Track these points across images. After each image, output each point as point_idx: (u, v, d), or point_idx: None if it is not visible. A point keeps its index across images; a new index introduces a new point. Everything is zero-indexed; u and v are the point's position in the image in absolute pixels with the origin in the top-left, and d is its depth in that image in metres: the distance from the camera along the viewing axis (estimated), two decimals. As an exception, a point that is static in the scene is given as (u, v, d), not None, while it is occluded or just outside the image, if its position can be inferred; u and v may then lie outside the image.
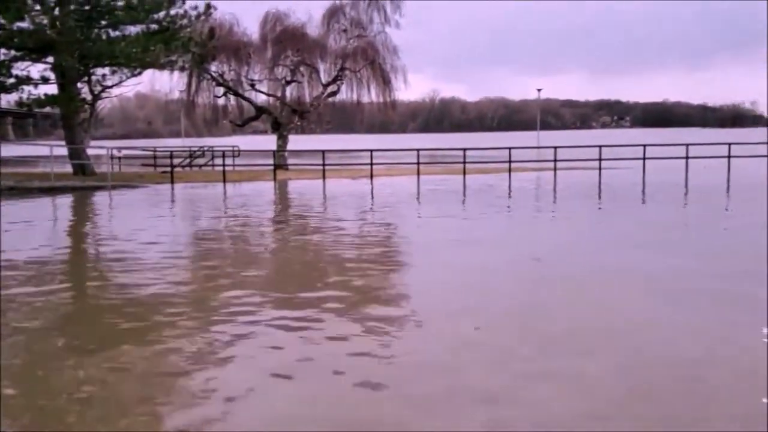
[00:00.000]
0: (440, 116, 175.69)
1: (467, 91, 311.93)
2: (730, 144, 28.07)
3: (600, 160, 27.47)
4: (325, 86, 35.93)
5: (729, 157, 27.55)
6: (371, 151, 28.61)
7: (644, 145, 27.59)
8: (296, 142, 40.22)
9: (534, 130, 66.11)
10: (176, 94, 36.21)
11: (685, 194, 20.18)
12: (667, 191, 20.42)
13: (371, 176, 27.10)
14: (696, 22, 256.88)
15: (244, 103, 37.09)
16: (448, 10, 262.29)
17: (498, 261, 9.83)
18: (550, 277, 8.68)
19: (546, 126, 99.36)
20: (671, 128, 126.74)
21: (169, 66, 31.06)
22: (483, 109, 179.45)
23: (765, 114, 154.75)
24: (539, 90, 68.69)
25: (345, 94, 36.41)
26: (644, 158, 27.32)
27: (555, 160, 28.05)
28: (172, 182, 25.94)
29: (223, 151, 31.16)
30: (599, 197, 19.91)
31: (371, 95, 35.96)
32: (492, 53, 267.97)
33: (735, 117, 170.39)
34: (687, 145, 27.85)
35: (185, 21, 29.32)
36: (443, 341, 6.11)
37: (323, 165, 27.92)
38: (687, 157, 27.42)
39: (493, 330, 6.46)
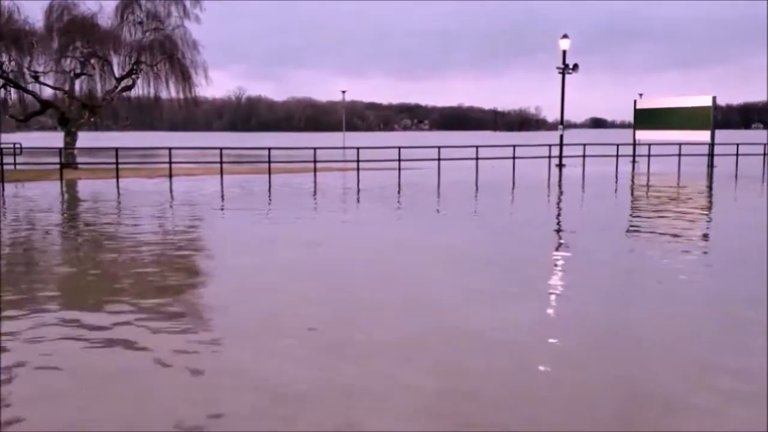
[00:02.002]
0: (247, 115, 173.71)
1: (275, 90, 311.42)
2: (514, 146, 30.42)
3: (399, 160, 28.55)
4: (119, 80, 33.89)
5: (514, 158, 29.82)
6: (170, 149, 27.42)
7: (439, 147, 29.12)
8: (90, 139, 37.57)
9: (340, 131, 67.23)
10: (-55, 86, 32.35)
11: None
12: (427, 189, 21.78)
13: (170, 176, 26.00)
14: (489, 33, 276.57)
15: (28, 97, 33.99)
16: (256, 8, 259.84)
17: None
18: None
19: (352, 127, 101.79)
20: (466, 131, 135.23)
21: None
22: (291, 109, 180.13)
23: (547, 118, 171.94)
24: (344, 92, 69.99)
25: (141, 89, 34.58)
26: (439, 159, 28.82)
27: (358, 161, 28.70)
28: (-62, 183, 23.11)
29: (2, 149, 28.22)
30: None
31: (170, 91, 34.40)
32: (299, 54, 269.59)
33: (522, 121, 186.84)
34: (477, 146, 29.78)
35: (-46, 5, 26.25)
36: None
37: (116, 164, 26.27)
38: (477, 158, 29.34)
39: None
